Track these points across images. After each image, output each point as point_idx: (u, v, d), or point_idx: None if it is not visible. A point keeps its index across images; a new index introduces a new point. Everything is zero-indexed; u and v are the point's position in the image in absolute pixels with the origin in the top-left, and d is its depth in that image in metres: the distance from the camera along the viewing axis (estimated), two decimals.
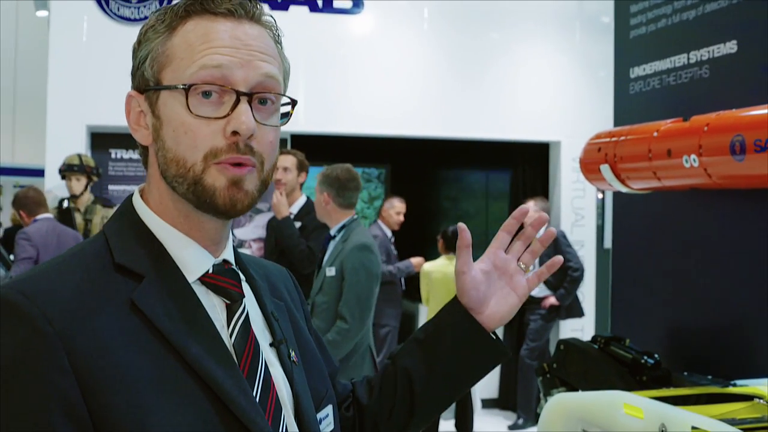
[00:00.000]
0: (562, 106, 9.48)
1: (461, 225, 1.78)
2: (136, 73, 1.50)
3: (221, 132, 1.42)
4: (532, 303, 8.97)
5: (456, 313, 1.80)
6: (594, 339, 4.66)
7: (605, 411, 3.51)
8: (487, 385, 9.85)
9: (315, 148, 8.04)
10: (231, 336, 1.48)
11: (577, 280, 8.83)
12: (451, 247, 8.37)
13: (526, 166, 10.24)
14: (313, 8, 9.14)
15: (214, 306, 1.49)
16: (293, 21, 8.94)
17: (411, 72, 9.50)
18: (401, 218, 9.18)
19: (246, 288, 1.59)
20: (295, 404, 1.55)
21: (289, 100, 1.55)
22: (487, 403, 9.82)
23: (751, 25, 4.18)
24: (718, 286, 4.38)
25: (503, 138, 9.75)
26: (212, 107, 1.43)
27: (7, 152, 14.77)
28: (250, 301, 1.58)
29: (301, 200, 6.69)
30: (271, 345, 1.57)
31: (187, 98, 1.42)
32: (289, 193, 6.62)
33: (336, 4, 9.20)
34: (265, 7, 1.52)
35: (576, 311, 9.07)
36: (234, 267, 1.56)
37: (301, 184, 6.82)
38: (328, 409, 1.69)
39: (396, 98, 9.37)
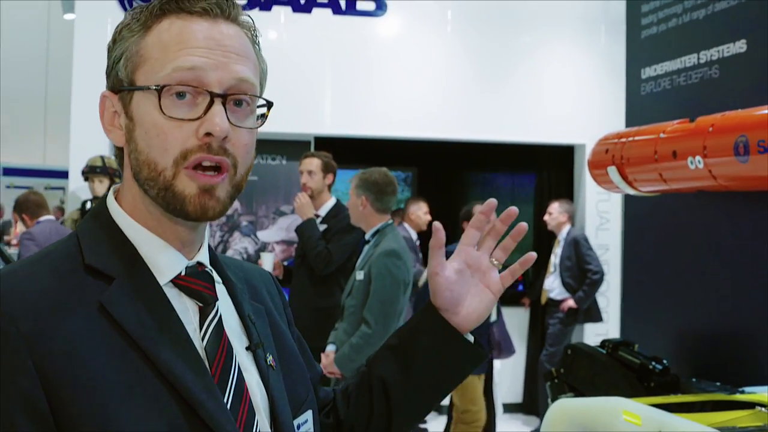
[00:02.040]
0: (587, 109, 9.35)
1: (436, 224, 1.72)
2: (111, 72, 1.47)
3: (194, 134, 1.38)
4: (551, 306, 8.86)
5: (429, 316, 1.74)
6: (602, 344, 4.60)
7: (605, 417, 3.44)
8: (511, 390, 9.76)
9: (340, 151, 7.98)
10: (203, 339, 1.43)
11: (597, 283, 8.70)
12: None
13: (551, 169, 10.11)
14: (336, 11, 9.10)
15: (186, 309, 1.45)
16: (318, 23, 8.89)
17: (435, 74, 9.42)
18: (429, 217, 9.11)
19: (222, 291, 1.55)
20: (272, 410, 1.50)
21: (264, 102, 1.50)
22: (511, 408, 9.72)
23: (760, 24, 4.09)
24: (729, 292, 4.29)
25: (528, 141, 9.63)
26: (185, 109, 1.38)
27: (38, 155, 14.88)
28: (226, 305, 1.54)
29: (330, 202, 6.62)
30: (247, 349, 1.53)
31: (159, 99, 1.38)
32: (316, 195, 6.56)
33: (359, 6, 9.15)
34: (253, 12, 1.48)
35: (595, 315, 8.94)
36: (208, 269, 1.52)
37: (329, 186, 6.76)
38: (308, 415, 1.64)
39: (421, 100, 9.29)
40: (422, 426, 8.44)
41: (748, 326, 4.17)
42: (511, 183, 11.46)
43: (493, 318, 8.51)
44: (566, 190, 9.83)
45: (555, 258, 8.92)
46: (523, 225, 1.71)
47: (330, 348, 5.21)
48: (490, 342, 8.45)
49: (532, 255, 1.73)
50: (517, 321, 9.65)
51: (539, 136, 9.53)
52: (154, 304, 1.38)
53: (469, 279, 1.73)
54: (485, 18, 9.52)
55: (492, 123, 9.47)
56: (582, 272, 8.66)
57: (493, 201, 1.72)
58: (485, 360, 1.80)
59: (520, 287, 9.92)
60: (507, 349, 8.69)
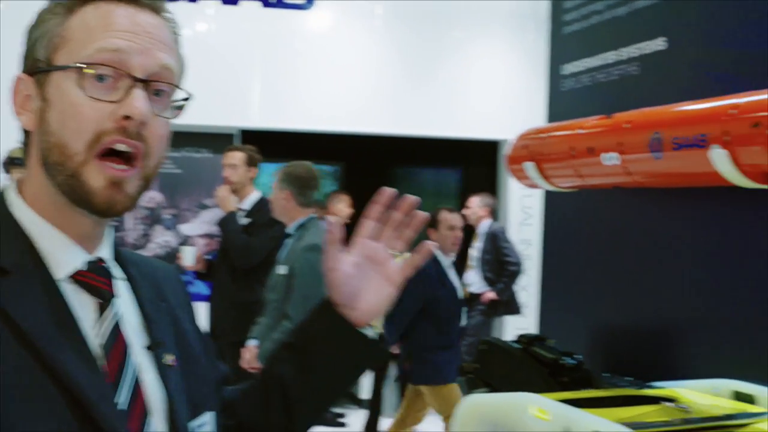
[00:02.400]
0: (513, 105, 9.37)
1: (330, 218, 1.66)
2: (28, 54, 1.39)
3: (111, 116, 1.31)
4: (472, 300, 8.86)
5: (326, 313, 1.68)
6: (518, 339, 4.58)
7: (514, 413, 3.42)
8: None
9: (267, 145, 7.89)
10: (99, 337, 1.36)
11: (515, 274, 8.74)
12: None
13: (476, 164, 10.15)
14: (266, 3, 9.01)
15: (83, 305, 1.36)
16: (247, 16, 8.81)
17: (364, 69, 9.39)
18: (350, 211, 9.07)
19: (124, 287, 1.47)
20: (170, 410, 1.43)
21: (182, 96, 1.44)
22: None
23: (680, 21, 4.10)
24: (643, 287, 4.30)
25: (454, 136, 9.66)
26: (104, 91, 1.31)
27: None
28: (127, 302, 1.45)
29: (254, 196, 6.52)
30: (147, 348, 1.45)
31: (79, 79, 1.31)
32: (239, 189, 6.46)
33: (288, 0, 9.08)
34: (181, 3, 1.42)
35: (513, 308, 9.00)
36: (106, 265, 1.44)
37: (253, 179, 6.66)
38: (206, 417, 1.57)
39: (349, 95, 9.25)
40: (341, 420, 8.38)
41: (660, 321, 4.19)
42: (436, 178, 11.47)
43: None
44: (491, 186, 9.86)
45: (474, 252, 8.91)
46: (421, 214, 1.66)
47: (252, 342, 5.15)
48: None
49: (430, 245, 1.70)
50: None
51: (465, 131, 9.55)
52: (48, 300, 1.32)
53: (367, 272, 1.68)
54: (415, 13, 9.50)
55: (419, 118, 9.46)
56: (501, 265, 8.67)
57: (390, 190, 1.66)
58: (384, 355, 1.76)
59: None
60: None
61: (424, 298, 5.85)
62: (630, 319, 4.41)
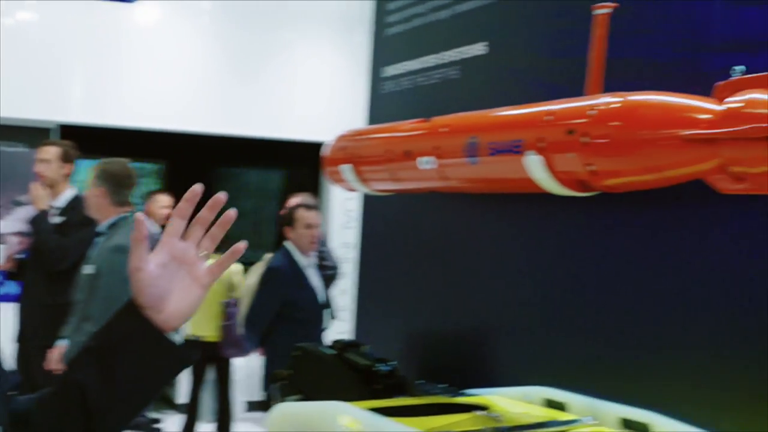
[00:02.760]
0: (338, 107, 9.28)
1: (138, 215, 1.53)
2: None
3: None
4: None
5: (130, 315, 1.56)
6: (333, 344, 4.45)
7: (324, 422, 3.29)
8: (253, 387, 9.52)
9: (88, 141, 7.52)
10: None
11: (331, 279, 8.62)
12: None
13: (300, 166, 10.03)
14: None
15: None
16: (70, 8, 8.40)
17: (190, 66, 9.13)
18: (166, 212, 8.78)
19: None
20: None
21: None
22: (254, 406, 9.51)
23: (501, 26, 4.06)
24: (459, 293, 4.24)
25: (279, 137, 9.51)
26: None
27: None
28: None
29: (68, 193, 6.17)
30: None
31: None
32: (53, 185, 6.10)
33: None
34: None
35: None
36: None
37: (67, 176, 6.30)
38: None
39: (174, 93, 8.97)
40: (156, 426, 8.09)
41: (475, 328, 4.14)
42: (260, 178, 11.31)
43: (234, 318, 8.26)
44: (314, 187, 9.74)
45: None
46: (231, 212, 1.57)
47: (61, 343, 4.92)
48: (229, 339, 8.20)
49: (242, 245, 1.59)
50: None
51: (290, 132, 9.43)
52: None
53: (174, 273, 1.57)
54: (243, 11, 9.31)
55: (244, 118, 9.30)
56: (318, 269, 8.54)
57: (198, 187, 1.56)
58: (191, 362, 1.61)
59: None
60: (247, 347, 8.47)
61: (281, 299, 5.66)
62: (445, 325, 4.35)
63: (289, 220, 6.34)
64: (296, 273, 5.76)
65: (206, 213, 1.56)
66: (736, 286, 2.98)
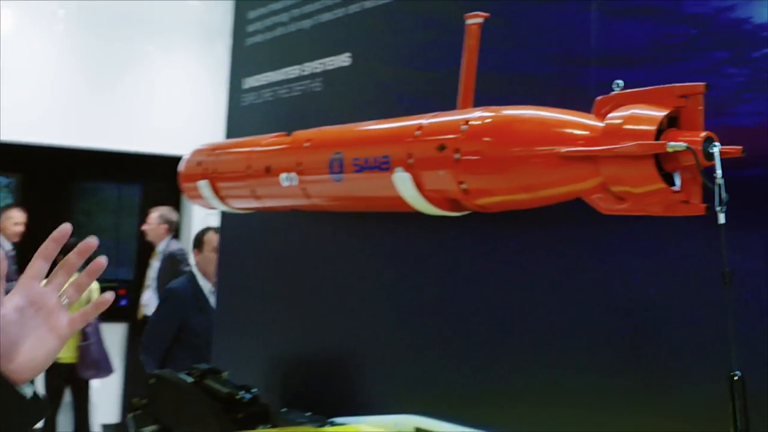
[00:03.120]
0: (199, 120, 8.96)
1: None
2: None
3: None
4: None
5: None
6: (190, 371, 4.16)
7: None
8: (110, 410, 9.10)
9: None
10: None
11: None
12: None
13: (159, 180, 9.65)
14: None
15: None
16: None
17: (44, 76, 8.70)
18: (19, 228, 8.29)
19: None
20: None
21: None
22: (110, 429, 9.10)
23: (364, 37, 3.84)
24: (324, 317, 4.00)
25: (137, 150, 9.13)
26: None
27: None
28: None
29: None
30: None
31: None
32: None
33: None
34: None
35: None
36: None
37: None
38: None
39: (27, 103, 8.50)
40: None
41: (343, 353, 3.90)
42: (118, 193, 10.88)
43: (91, 338, 7.89)
44: (174, 203, 9.39)
45: (152, 272, 8.39)
46: (101, 260, 1.52)
47: None
48: (86, 361, 7.85)
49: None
50: (115, 338, 9.04)
51: (148, 145, 9.08)
52: None
53: (31, 319, 1.45)
54: (99, 19, 8.92)
55: (101, 130, 8.93)
56: None
57: (66, 226, 1.49)
58: (45, 415, 1.40)
59: (123, 302, 9.27)
60: (105, 368, 8.12)
61: (179, 323, 5.30)
62: (311, 349, 4.09)
63: (197, 242, 6.00)
64: (197, 297, 5.45)
65: (74, 258, 1.49)
66: (611, 310, 2.82)
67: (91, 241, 1.50)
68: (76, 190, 11.44)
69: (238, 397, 3.82)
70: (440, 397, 3.41)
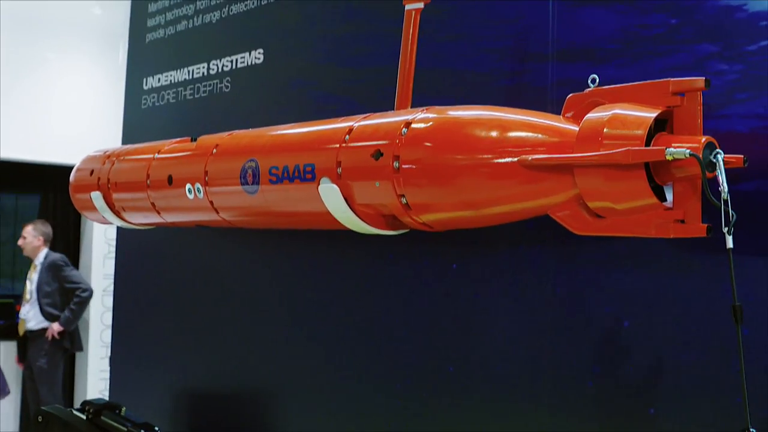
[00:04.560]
0: (101, 128, 8.28)
1: None
2: None
3: None
4: (34, 339, 7.67)
5: None
6: (82, 407, 3.57)
7: None
8: None
9: None
10: None
11: (86, 300, 7.77)
12: None
13: (58, 190, 8.94)
14: None
15: None
16: None
17: None
18: None
19: None
20: None
21: None
22: None
23: (279, 31, 3.29)
24: (237, 344, 3.45)
25: (34, 159, 8.41)
26: None
27: None
28: None
29: None
30: None
31: None
32: None
33: None
34: None
35: (78, 344, 8.00)
36: None
37: None
38: None
39: None
40: None
41: (251, 386, 3.35)
42: (14, 204, 10.12)
43: None
44: (74, 214, 8.70)
45: (31, 284, 7.78)
46: None
47: None
48: None
49: None
50: (8, 356, 8.31)
51: (45, 154, 8.38)
52: None
53: None
54: None
55: None
56: (67, 294, 7.62)
57: None
58: None
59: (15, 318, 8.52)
60: (0, 390, 7.46)
61: None
62: (219, 382, 3.52)
63: None
64: None
65: None
66: (578, 344, 2.34)
67: None
68: None
69: None
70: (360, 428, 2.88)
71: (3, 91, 8.22)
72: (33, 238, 7.94)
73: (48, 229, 8.05)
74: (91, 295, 7.82)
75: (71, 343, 7.88)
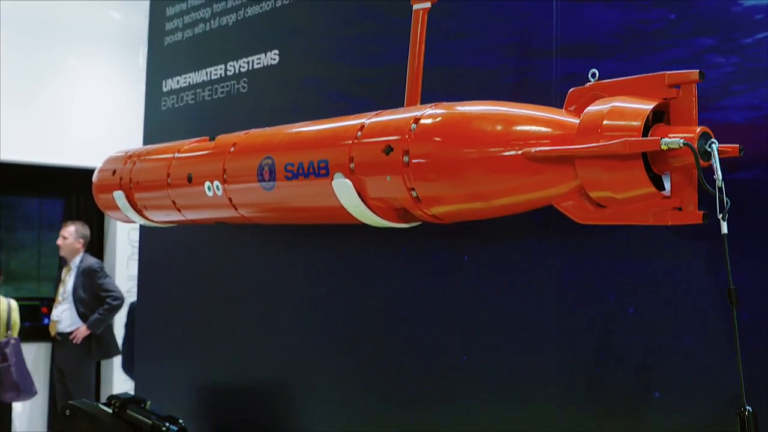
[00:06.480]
0: (122, 130, 8.40)
1: None
2: None
3: None
4: (63, 341, 7.75)
5: None
6: (109, 401, 3.68)
7: None
8: None
9: None
10: None
11: (116, 308, 7.78)
12: None
13: (81, 194, 9.06)
14: None
15: None
16: None
17: None
18: None
19: None
20: None
21: None
22: None
23: (294, 32, 3.39)
24: (256, 339, 3.56)
25: (56, 163, 8.54)
26: None
27: None
28: None
29: None
30: None
31: None
32: None
33: None
34: None
35: (111, 349, 8.04)
36: None
37: None
38: None
39: None
40: None
41: (271, 380, 3.45)
42: (39, 207, 10.25)
43: (11, 359, 7.36)
44: (97, 217, 8.81)
45: (65, 286, 7.83)
46: None
47: None
48: (6, 383, 7.33)
49: None
50: (40, 358, 8.44)
51: (69, 158, 8.50)
52: None
53: None
54: (16, 27, 8.29)
55: (18, 142, 8.30)
56: (100, 301, 7.66)
57: None
58: None
59: (47, 321, 8.64)
60: (27, 391, 7.57)
61: None
62: (241, 375, 3.63)
63: None
64: None
65: None
66: (582, 333, 2.42)
67: None
68: None
69: (163, 429, 3.41)
70: (384, 427, 2.97)
71: (25, 95, 8.36)
72: (74, 240, 7.91)
73: (87, 231, 8.03)
74: (121, 305, 7.81)
75: (100, 349, 7.90)
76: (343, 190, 2.42)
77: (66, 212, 9.28)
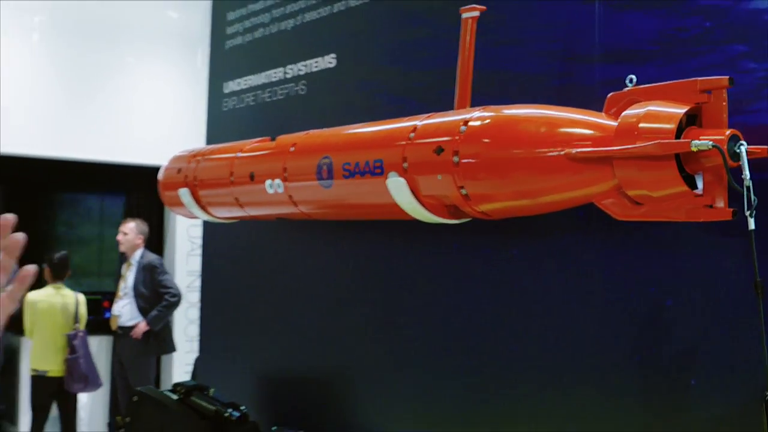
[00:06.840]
0: (181, 129, 8.64)
1: None
2: None
3: None
4: (123, 335, 7.95)
5: None
6: (174, 388, 3.88)
7: None
8: (99, 424, 8.75)
9: None
10: None
11: (174, 305, 7.96)
12: (58, 275, 7.67)
13: (141, 190, 9.30)
14: None
15: None
16: None
17: (20, 85, 8.30)
18: None
19: None
20: None
21: None
22: None
23: (351, 37, 3.57)
24: (313, 331, 3.73)
25: (118, 161, 8.78)
26: None
27: None
28: None
29: None
30: None
31: None
32: None
33: None
34: None
35: (168, 346, 8.23)
36: None
37: None
38: None
39: (6, 114, 8.13)
40: None
41: (329, 368, 3.64)
42: (100, 204, 10.53)
43: (79, 351, 7.60)
44: (158, 213, 9.05)
45: (125, 282, 8.04)
46: (17, 237, 1.31)
47: None
48: (75, 374, 7.56)
49: (31, 268, 1.34)
50: (102, 350, 8.69)
51: (129, 156, 8.74)
52: None
53: None
54: (77, 27, 8.55)
55: (80, 141, 8.56)
56: (159, 296, 7.86)
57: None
58: None
59: (108, 314, 8.89)
60: (93, 382, 7.79)
61: None
62: (299, 365, 3.82)
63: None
64: None
65: None
66: (624, 324, 2.57)
67: (8, 217, 1.32)
68: (58, 202, 11.11)
69: (226, 415, 3.57)
70: (438, 415, 3.14)
71: (88, 95, 8.60)
72: (135, 236, 8.06)
73: (146, 228, 8.16)
74: (179, 302, 7.94)
75: (157, 345, 8.11)
76: (397, 188, 2.59)
77: (126, 209, 9.52)
